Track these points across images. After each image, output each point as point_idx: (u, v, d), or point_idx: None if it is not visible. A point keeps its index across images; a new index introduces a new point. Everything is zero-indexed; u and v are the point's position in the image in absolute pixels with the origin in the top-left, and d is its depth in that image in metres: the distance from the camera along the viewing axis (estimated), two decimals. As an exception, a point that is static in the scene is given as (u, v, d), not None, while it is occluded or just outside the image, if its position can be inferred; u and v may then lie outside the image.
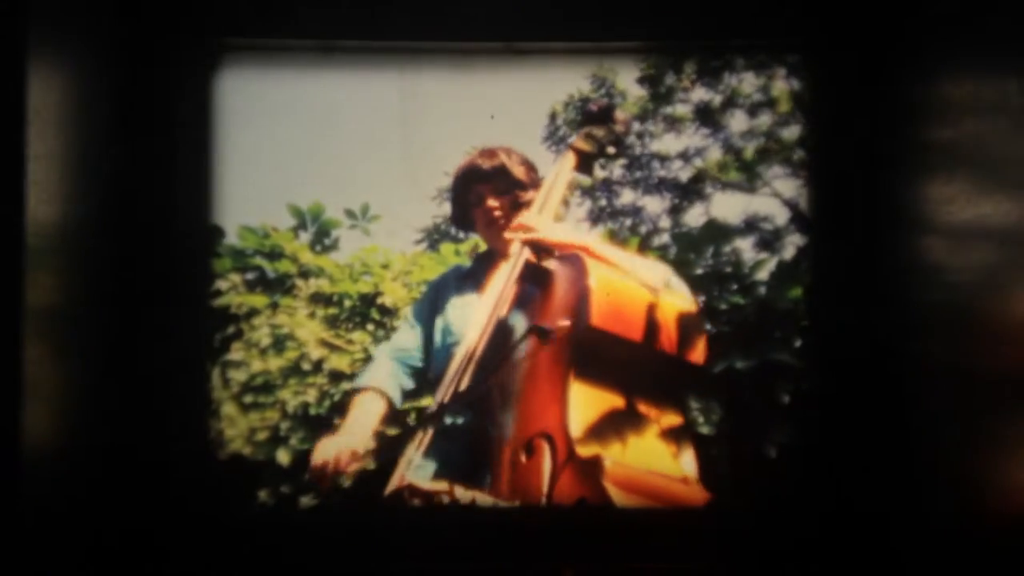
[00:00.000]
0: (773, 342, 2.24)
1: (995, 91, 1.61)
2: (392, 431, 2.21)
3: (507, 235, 2.19)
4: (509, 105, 2.19)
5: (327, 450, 2.13)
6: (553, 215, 2.19)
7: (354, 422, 2.18)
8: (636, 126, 2.37)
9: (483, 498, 1.96)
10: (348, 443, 2.14)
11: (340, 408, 2.32)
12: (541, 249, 2.14)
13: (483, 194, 2.23)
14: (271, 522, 2.15)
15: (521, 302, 2.12)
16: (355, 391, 2.24)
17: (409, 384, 2.23)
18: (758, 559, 2.02)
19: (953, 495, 1.71)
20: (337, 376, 2.34)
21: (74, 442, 1.76)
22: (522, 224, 2.17)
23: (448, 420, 2.06)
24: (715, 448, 2.12)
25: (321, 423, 2.29)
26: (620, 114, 2.27)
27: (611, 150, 2.26)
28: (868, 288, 2.02)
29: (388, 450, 2.15)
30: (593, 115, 2.26)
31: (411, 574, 2.02)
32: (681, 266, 2.27)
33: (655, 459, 1.96)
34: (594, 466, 1.88)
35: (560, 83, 2.29)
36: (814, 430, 2.08)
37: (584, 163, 2.25)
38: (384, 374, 2.23)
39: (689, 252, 2.30)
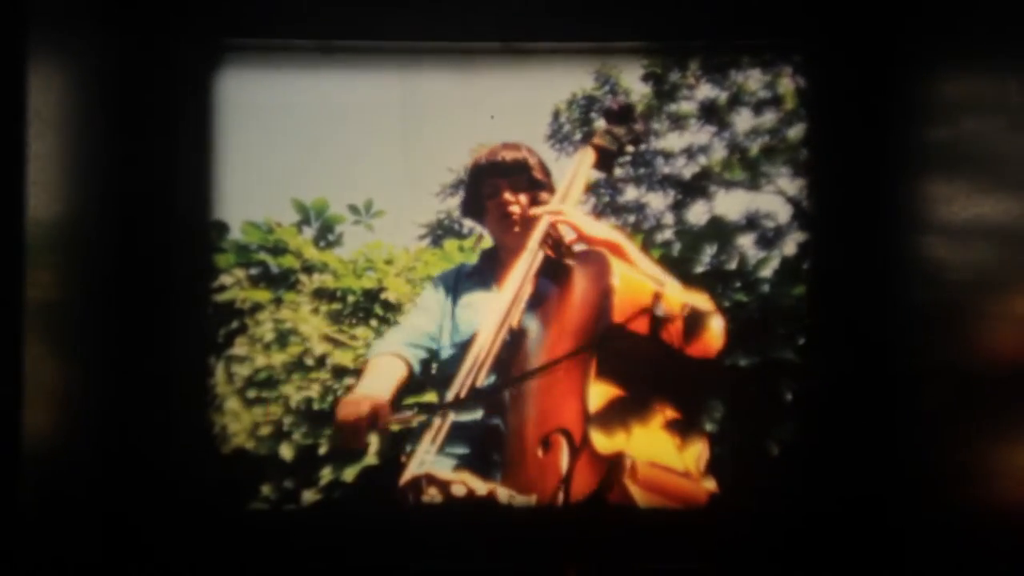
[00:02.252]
0: (776, 339, 2.24)
1: (995, 90, 1.61)
2: (396, 426, 2.22)
3: (535, 212, 2.17)
4: (509, 105, 2.18)
5: (352, 406, 2.08)
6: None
7: (372, 380, 2.14)
8: (649, 133, 2.37)
9: (500, 490, 1.96)
10: (373, 397, 2.09)
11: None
12: (561, 245, 2.13)
13: (500, 187, 2.21)
14: (274, 517, 2.16)
15: (538, 298, 2.12)
16: (368, 359, 2.22)
17: (424, 360, 2.21)
18: (761, 557, 2.02)
19: (955, 493, 1.72)
20: (340, 372, 2.35)
21: (75, 439, 1.77)
22: (554, 210, 2.16)
23: (463, 415, 2.06)
24: (718, 445, 2.12)
25: (324, 418, 2.31)
26: (639, 113, 2.27)
27: (630, 148, 2.26)
28: (870, 286, 2.02)
29: (396, 444, 2.15)
30: (613, 113, 2.26)
31: (413, 573, 2.02)
32: (684, 263, 2.27)
33: (675, 458, 1.96)
34: (615, 464, 1.87)
35: (561, 83, 2.29)
36: (817, 427, 2.08)
37: (604, 161, 2.25)
38: (401, 343, 2.21)
39: (692, 250, 2.30)
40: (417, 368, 2.19)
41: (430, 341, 2.23)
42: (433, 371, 2.22)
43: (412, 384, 2.22)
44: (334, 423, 2.11)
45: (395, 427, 2.10)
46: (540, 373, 2.02)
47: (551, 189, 2.22)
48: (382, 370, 2.17)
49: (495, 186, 2.22)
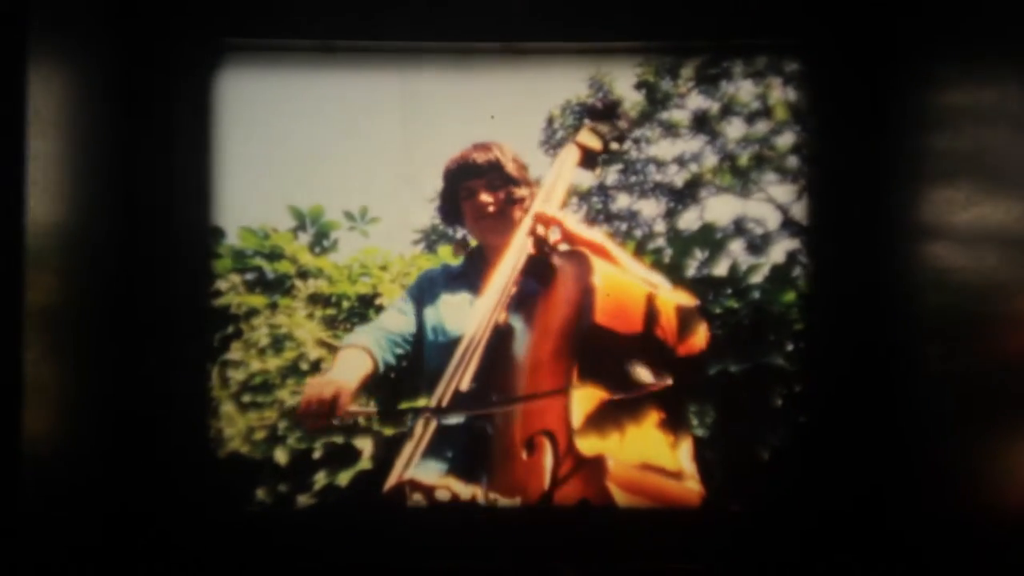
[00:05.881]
0: (767, 346, 2.25)
1: (994, 96, 1.62)
2: (389, 430, 2.22)
3: (528, 218, 2.18)
4: (508, 106, 2.18)
5: (317, 387, 2.10)
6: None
7: (341, 370, 2.15)
8: (633, 131, 2.37)
9: (484, 494, 1.96)
10: (339, 382, 2.10)
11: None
12: (545, 243, 2.13)
13: (475, 189, 2.21)
14: (269, 520, 2.16)
15: (522, 298, 2.12)
16: (339, 348, 2.22)
17: (391, 360, 2.20)
18: (754, 559, 2.02)
19: (950, 497, 1.72)
20: (335, 376, 2.34)
21: (74, 442, 1.76)
22: (545, 213, 2.16)
23: (448, 418, 2.06)
24: (709, 450, 2.12)
25: (319, 423, 2.31)
26: (624, 111, 2.28)
27: (615, 146, 2.26)
28: (863, 292, 2.03)
29: (390, 448, 2.15)
30: (598, 111, 2.26)
31: (409, 574, 2.02)
32: (676, 270, 2.27)
33: (655, 456, 1.96)
34: (597, 466, 1.88)
35: (559, 84, 2.29)
36: (806, 433, 2.09)
37: (588, 159, 2.25)
38: (371, 340, 2.21)
39: (684, 256, 2.30)
40: (382, 366, 2.19)
41: (403, 343, 2.22)
42: (402, 366, 2.22)
43: (402, 389, 2.23)
44: (300, 402, 2.11)
45: (356, 418, 2.18)
46: (518, 403, 2.03)
47: (528, 183, 2.22)
48: (350, 362, 2.17)
49: (470, 189, 2.22)
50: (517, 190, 2.20)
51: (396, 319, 2.26)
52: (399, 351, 2.22)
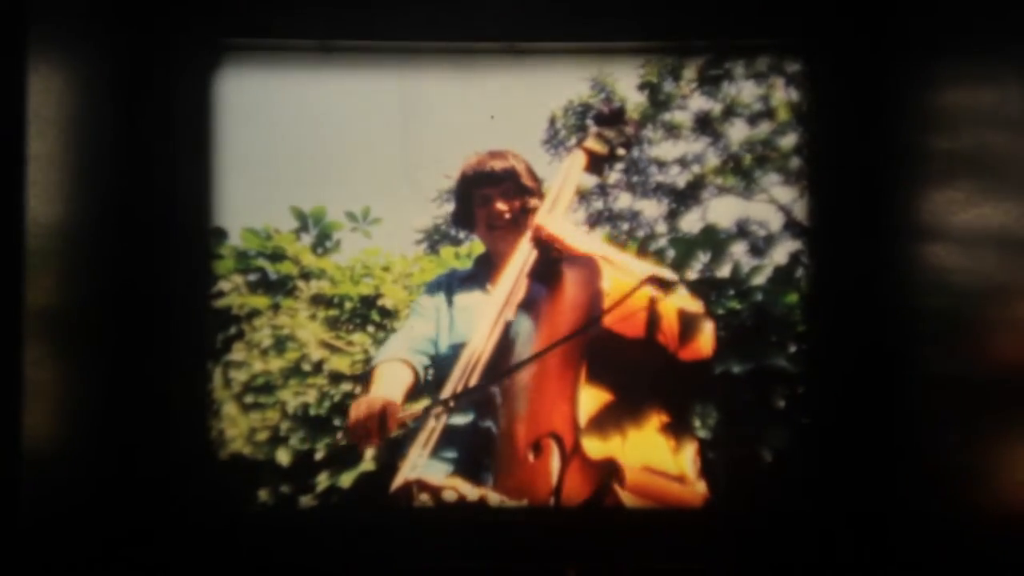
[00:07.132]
0: (769, 347, 2.24)
1: (994, 96, 1.62)
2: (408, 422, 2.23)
3: (530, 227, 2.18)
4: (509, 106, 2.18)
5: (364, 405, 2.09)
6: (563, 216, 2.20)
7: (384, 385, 2.14)
8: (638, 136, 2.38)
9: (490, 495, 1.96)
10: (385, 398, 2.09)
11: (340, 409, 2.33)
12: (551, 247, 2.14)
13: (491, 196, 2.22)
14: (271, 522, 2.16)
15: (529, 302, 2.12)
16: (375, 366, 2.21)
17: (427, 363, 2.21)
18: (757, 561, 2.02)
19: (949, 499, 1.72)
20: (337, 377, 2.35)
21: (74, 442, 1.76)
22: (545, 227, 2.17)
23: (455, 419, 2.06)
24: (711, 450, 2.12)
25: (321, 423, 2.30)
26: (630, 116, 2.28)
27: (621, 152, 2.26)
28: (865, 293, 2.02)
29: (393, 450, 2.15)
30: (604, 117, 2.26)
31: (413, 574, 2.02)
32: (678, 271, 2.27)
33: (658, 460, 1.96)
34: (605, 469, 1.87)
35: (561, 85, 2.29)
36: (809, 434, 2.08)
37: (595, 164, 2.26)
38: (406, 350, 2.21)
39: (686, 257, 2.30)
40: (422, 374, 2.19)
41: (431, 346, 2.22)
42: (430, 376, 2.21)
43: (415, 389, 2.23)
44: (347, 424, 2.11)
45: (407, 423, 2.11)
46: (536, 360, 2.02)
47: (540, 194, 2.23)
48: (390, 376, 2.17)
49: (485, 196, 2.23)
50: (531, 200, 2.21)
51: (421, 323, 2.26)
52: (432, 352, 2.22)
